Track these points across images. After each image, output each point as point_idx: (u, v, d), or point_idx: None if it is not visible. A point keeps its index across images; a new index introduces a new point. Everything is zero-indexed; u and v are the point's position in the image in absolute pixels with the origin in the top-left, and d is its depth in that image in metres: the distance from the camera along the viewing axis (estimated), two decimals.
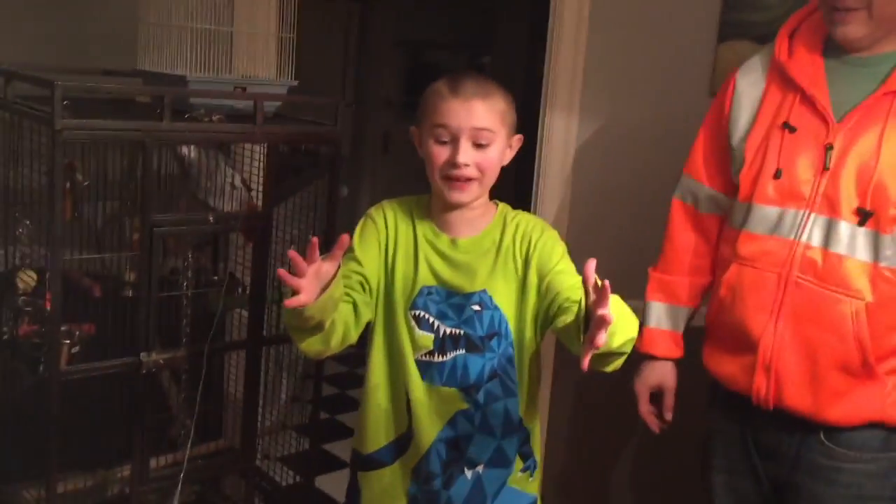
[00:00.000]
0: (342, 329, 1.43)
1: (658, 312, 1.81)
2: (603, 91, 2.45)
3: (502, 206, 1.60)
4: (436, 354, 1.51)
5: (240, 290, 2.18)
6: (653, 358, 1.79)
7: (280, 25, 2.22)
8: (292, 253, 1.24)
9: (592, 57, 2.42)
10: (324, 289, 1.27)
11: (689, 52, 2.33)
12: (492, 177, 1.51)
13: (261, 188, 2.11)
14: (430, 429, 1.52)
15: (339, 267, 1.30)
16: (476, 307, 1.51)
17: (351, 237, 1.53)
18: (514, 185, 2.76)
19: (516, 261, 1.52)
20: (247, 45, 2.29)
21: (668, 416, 1.80)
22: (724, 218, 1.73)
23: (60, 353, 1.83)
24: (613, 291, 1.17)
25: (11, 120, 1.87)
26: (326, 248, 1.31)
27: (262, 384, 2.23)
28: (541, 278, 1.51)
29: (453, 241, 1.53)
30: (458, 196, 1.48)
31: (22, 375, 1.94)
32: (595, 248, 2.57)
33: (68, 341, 1.90)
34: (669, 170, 2.49)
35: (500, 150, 1.50)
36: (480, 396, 1.51)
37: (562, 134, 2.52)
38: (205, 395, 2.50)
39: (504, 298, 1.52)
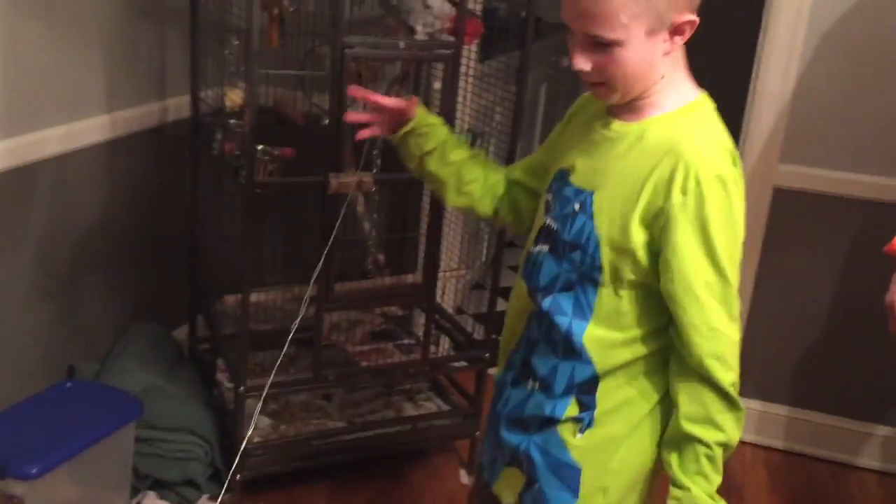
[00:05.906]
0: (473, 186, 1.44)
1: None
2: None
3: (696, 103, 1.22)
4: (534, 243, 1.33)
5: None
6: None
7: None
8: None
9: None
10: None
11: None
12: (632, 80, 1.17)
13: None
14: (517, 326, 1.36)
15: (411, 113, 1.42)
16: (577, 206, 1.25)
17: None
18: None
19: (645, 191, 1.18)
20: None
21: None
22: None
23: (255, 167, 1.94)
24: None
25: None
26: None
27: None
28: (654, 250, 1.20)
29: (606, 123, 1.25)
30: (601, 100, 1.24)
31: (227, 188, 2.10)
32: (818, 136, 2.29)
33: (267, 158, 2.02)
34: None
35: (639, 46, 1.13)
36: (546, 303, 1.28)
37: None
38: (400, 230, 2.59)
39: (607, 214, 1.22)
